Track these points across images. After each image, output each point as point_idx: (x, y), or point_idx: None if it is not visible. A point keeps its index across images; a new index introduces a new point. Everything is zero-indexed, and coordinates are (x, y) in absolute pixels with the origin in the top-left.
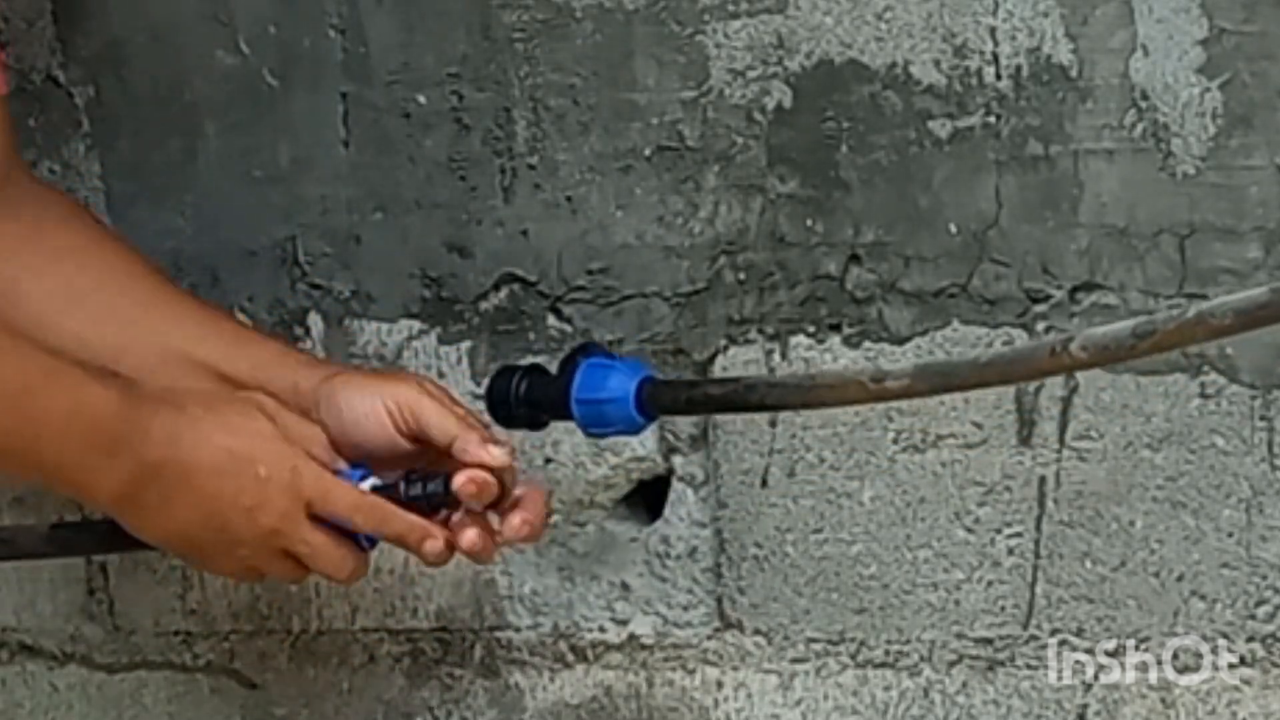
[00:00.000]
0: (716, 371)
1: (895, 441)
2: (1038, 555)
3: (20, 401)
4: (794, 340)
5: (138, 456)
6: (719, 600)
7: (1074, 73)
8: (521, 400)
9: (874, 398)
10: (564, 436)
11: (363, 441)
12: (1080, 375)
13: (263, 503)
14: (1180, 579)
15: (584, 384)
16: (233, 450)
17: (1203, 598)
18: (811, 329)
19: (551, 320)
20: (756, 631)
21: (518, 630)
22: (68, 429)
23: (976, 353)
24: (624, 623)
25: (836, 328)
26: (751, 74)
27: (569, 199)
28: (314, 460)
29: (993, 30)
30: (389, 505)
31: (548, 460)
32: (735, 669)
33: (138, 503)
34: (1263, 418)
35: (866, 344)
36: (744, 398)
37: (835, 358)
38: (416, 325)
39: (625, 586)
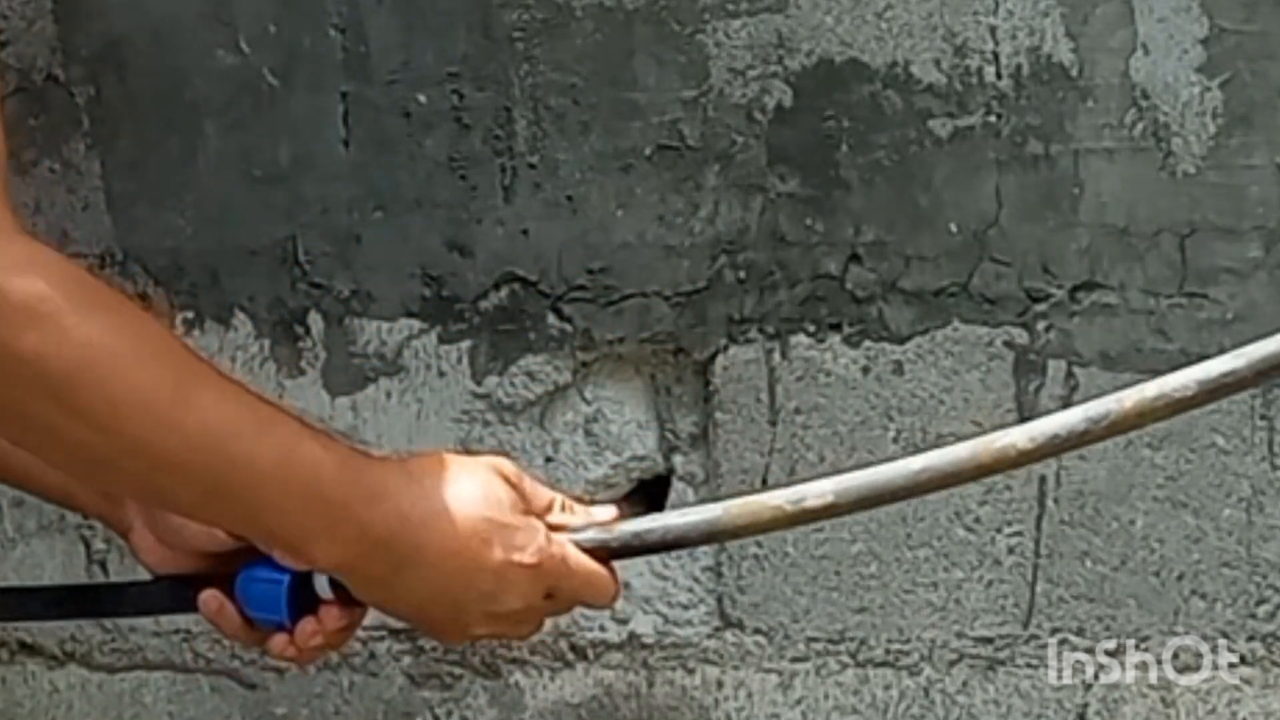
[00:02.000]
0: (717, 370)
1: (895, 440)
2: (1038, 554)
3: (229, 444)
4: (794, 339)
5: (362, 528)
6: (719, 599)
7: (1074, 72)
8: None
9: (792, 521)
10: (564, 436)
11: (188, 540)
12: (1081, 374)
13: (506, 587)
14: (1180, 578)
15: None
16: (476, 534)
17: (1203, 597)
18: (812, 328)
19: (552, 319)
20: (757, 630)
21: None
22: (281, 485)
23: (908, 462)
24: (624, 622)
25: (837, 327)
26: (752, 73)
27: (569, 198)
28: (555, 537)
29: (993, 29)
30: (613, 581)
31: (548, 459)
32: (735, 668)
33: (363, 577)
34: (1263, 417)
35: (867, 343)
36: (642, 542)
37: (835, 356)
38: (417, 324)
39: (625, 586)
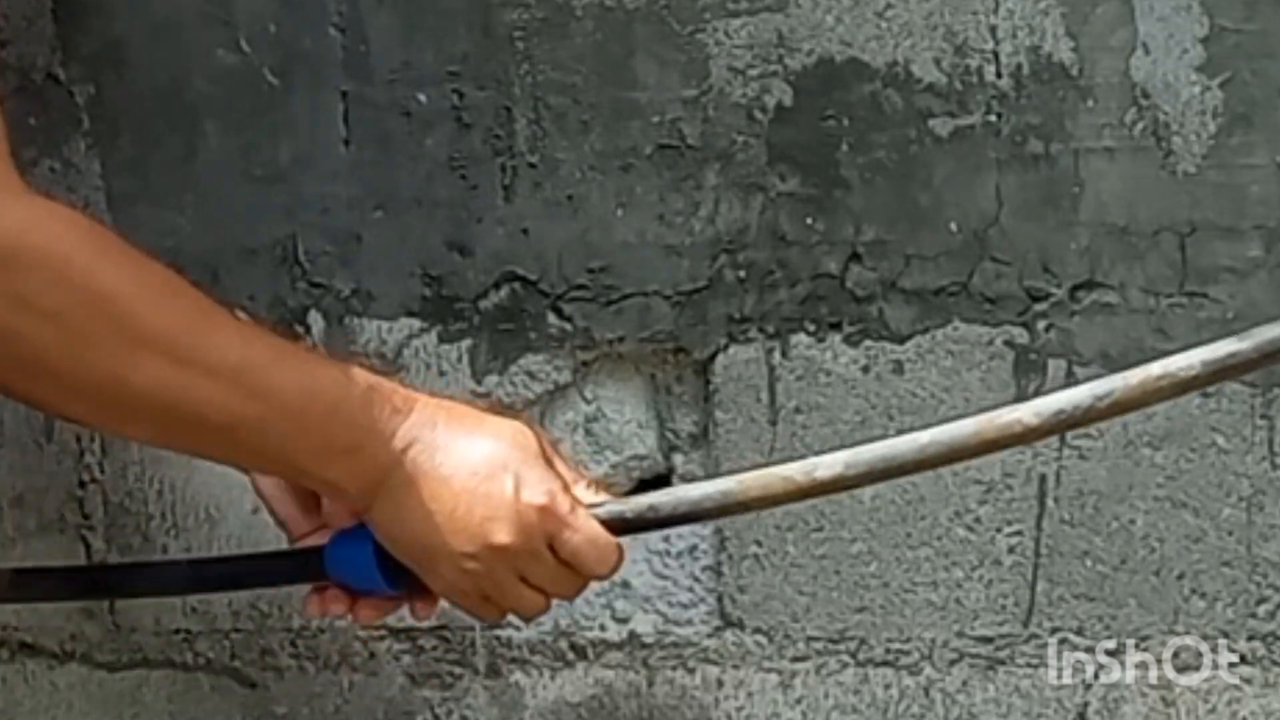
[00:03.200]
0: (717, 369)
1: None
2: (1038, 554)
3: (249, 378)
4: (794, 339)
5: (384, 443)
6: (719, 598)
7: (1074, 71)
8: None
9: (804, 494)
10: (564, 435)
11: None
12: (1081, 373)
13: (505, 516)
14: (1180, 578)
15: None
16: (493, 460)
17: (1203, 596)
18: (812, 327)
19: (552, 319)
20: (757, 630)
21: (518, 629)
22: (303, 414)
23: (916, 436)
24: (624, 621)
25: (837, 326)
26: (752, 72)
27: (570, 197)
28: (565, 489)
29: (993, 29)
30: (617, 549)
31: None
32: (736, 667)
33: (375, 496)
34: (1263, 416)
35: (867, 342)
36: (655, 515)
37: (836, 356)
38: (417, 324)
39: (626, 585)
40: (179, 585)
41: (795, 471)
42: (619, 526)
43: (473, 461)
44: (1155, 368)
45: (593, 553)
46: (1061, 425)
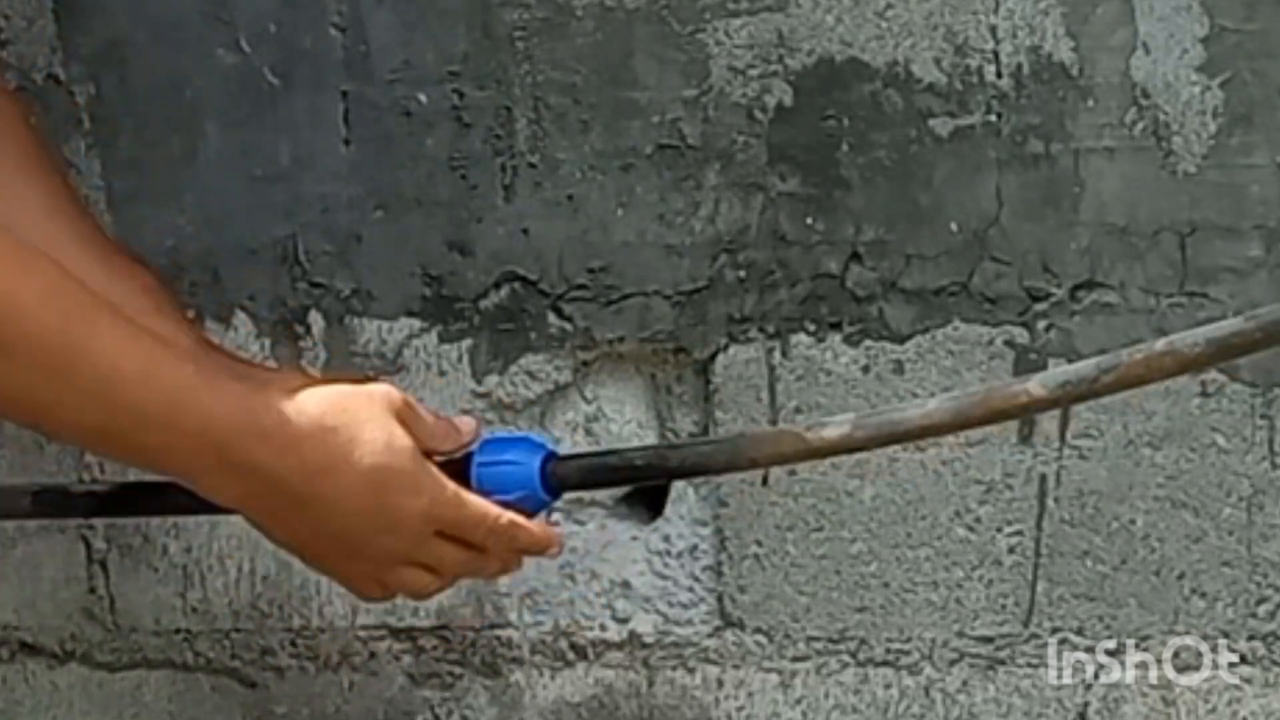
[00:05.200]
0: (717, 369)
1: None
2: (1038, 554)
3: (114, 391)
4: (795, 339)
5: (254, 468)
6: (720, 598)
7: (1075, 71)
8: None
9: (812, 452)
10: (564, 435)
11: None
12: None
13: (394, 526)
14: (1181, 578)
15: (487, 448)
16: (368, 477)
17: (1203, 596)
18: (812, 327)
19: (552, 319)
20: (757, 630)
21: (518, 628)
22: (170, 430)
23: (922, 401)
24: (625, 621)
25: (837, 326)
26: (752, 72)
27: (570, 197)
28: (448, 482)
29: (993, 28)
30: (521, 524)
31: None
32: (736, 667)
33: (258, 512)
34: (1263, 416)
35: (867, 342)
36: (664, 464)
37: (836, 356)
38: (417, 324)
39: (626, 585)
40: None
41: (803, 429)
42: (625, 476)
43: (353, 481)
44: (1160, 344)
45: (482, 530)
46: (1067, 397)
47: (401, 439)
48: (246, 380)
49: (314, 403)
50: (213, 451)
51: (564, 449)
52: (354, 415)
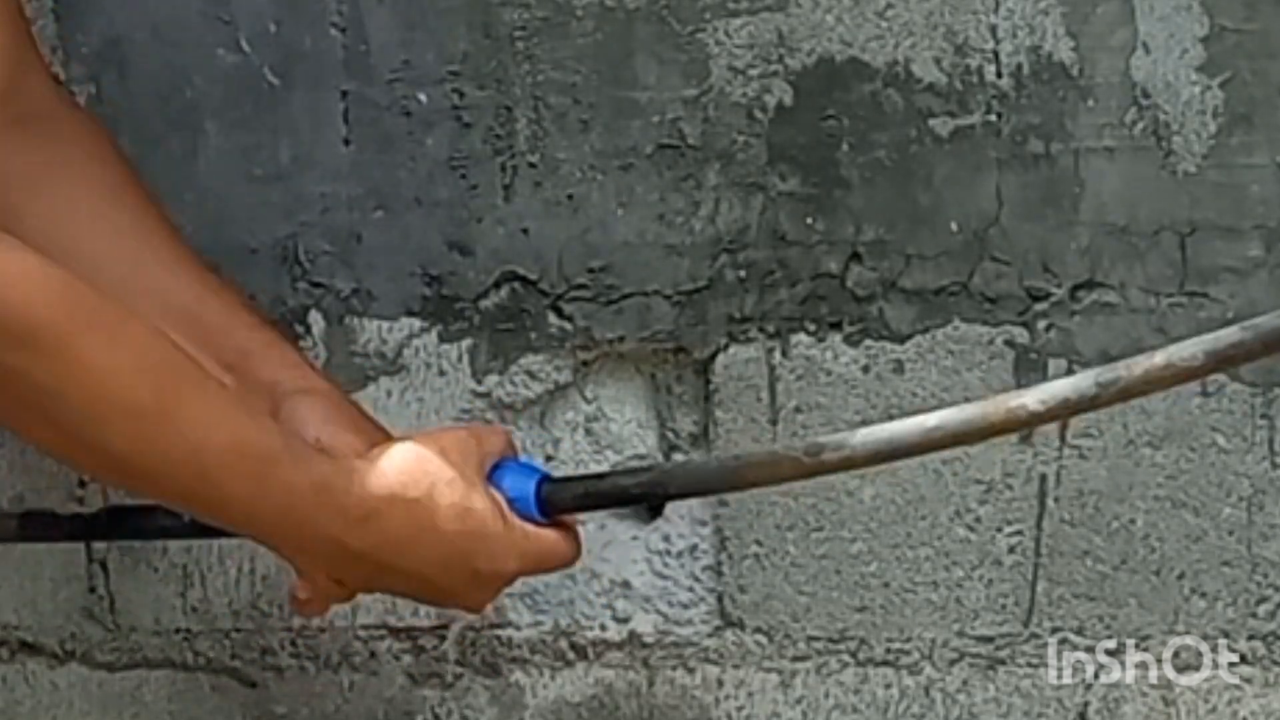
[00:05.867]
0: (717, 369)
1: None
2: (1038, 554)
3: (202, 464)
4: (795, 339)
5: (341, 549)
6: (720, 598)
7: (1075, 71)
8: None
9: (810, 472)
10: (564, 435)
11: None
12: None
13: (483, 584)
14: (1181, 577)
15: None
16: (453, 545)
17: (1203, 596)
18: (812, 327)
19: (552, 318)
20: (757, 630)
21: (518, 628)
22: (253, 504)
23: (922, 419)
24: (625, 621)
25: (837, 326)
26: (752, 72)
27: (570, 197)
28: (529, 530)
29: (993, 28)
30: (575, 546)
31: (548, 458)
32: (736, 667)
33: (344, 574)
34: (1264, 416)
35: (868, 342)
36: (660, 487)
37: (836, 355)
38: (417, 323)
39: (626, 584)
40: None
41: (800, 452)
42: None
43: (440, 550)
44: (1159, 356)
45: (557, 567)
46: (1066, 412)
47: (482, 501)
48: (331, 448)
49: (394, 472)
50: (293, 527)
51: (564, 448)
52: (435, 479)
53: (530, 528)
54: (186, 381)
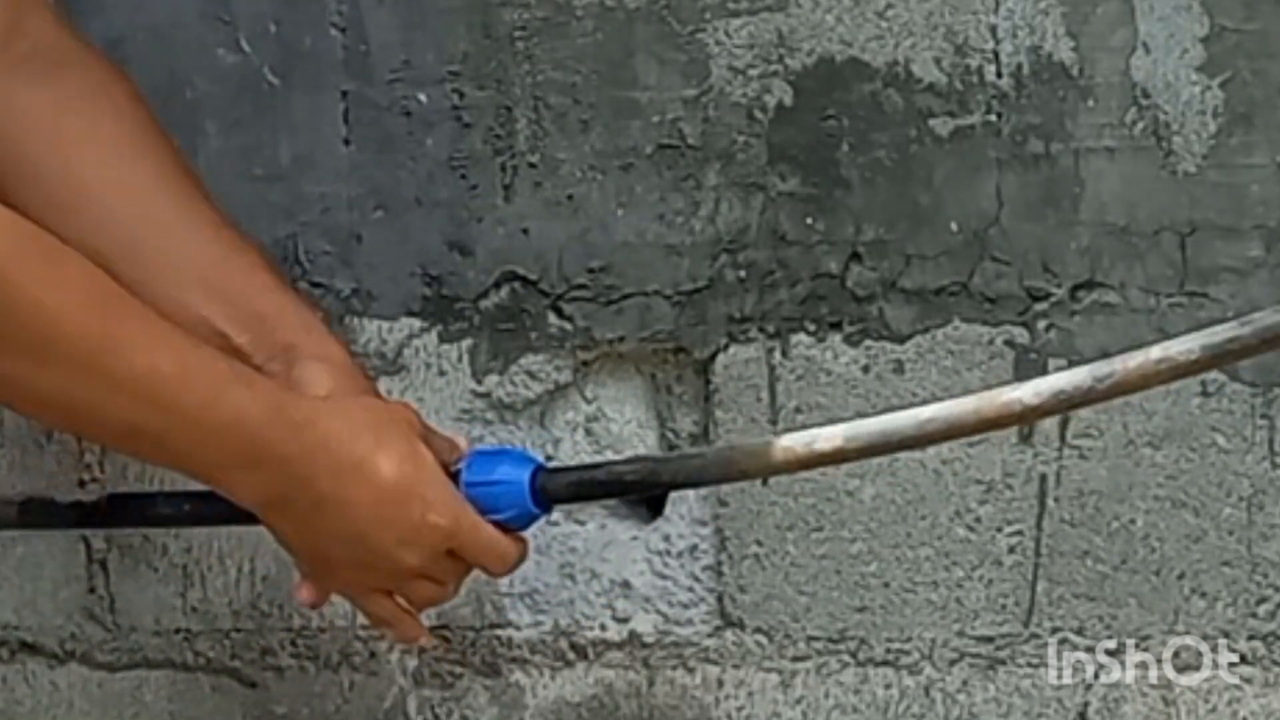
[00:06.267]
0: (718, 369)
1: None
2: (1038, 554)
3: (151, 389)
4: (795, 339)
5: (284, 462)
6: (720, 598)
7: (1075, 71)
8: None
9: (803, 464)
10: (565, 435)
11: None
12: None
13: (413, 540)
14: (1181, 577)
15: (475, 465)
16: (394, 486)
17: (1203, 596)
18: (812, 327)
19: (552, 318)
20: (757, 630)
21: (518, 628)
22: (203, 426)
23: (916, 411)
24: (625, 621)
25: (837, 326)
26: (752, 72)
27: (570, 197)
28: (469, 507)
29: (993, 28)
30: (519, 548)
31: (548, 458)
32: (736, 667)
33: (278, 511)
34: (1264, 416)
35: (868, 342)
36: (655, 477)
37: (836, 356)
38: (417, 323)
39: (626, 584)
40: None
41: (794, 442)
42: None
43: (379, 488)
44: (1155, 351)
45: (491, 558)
46: (1061, 406)
47: (427, 454)
48: (283, 378)
49: (345, 405)
50: (243, 445)
51: (564, 448)
52: (384, 423)
53: (465, 502)
54: (130, 311)
